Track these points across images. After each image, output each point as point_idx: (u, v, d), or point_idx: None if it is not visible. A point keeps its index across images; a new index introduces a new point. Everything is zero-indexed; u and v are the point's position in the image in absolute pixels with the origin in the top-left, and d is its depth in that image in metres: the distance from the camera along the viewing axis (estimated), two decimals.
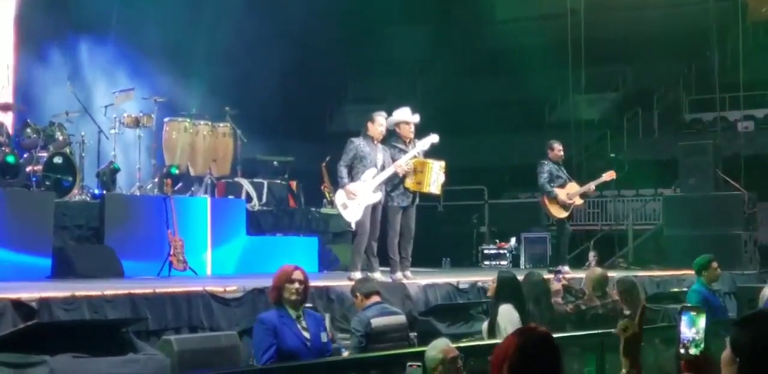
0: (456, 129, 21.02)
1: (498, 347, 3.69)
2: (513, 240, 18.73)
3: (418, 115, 11.31)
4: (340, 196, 10.81)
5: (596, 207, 22.41)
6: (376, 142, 10.87)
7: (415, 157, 11.07)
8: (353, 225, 10.88)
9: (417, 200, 11.25)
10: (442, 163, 11.22)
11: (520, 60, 24.24)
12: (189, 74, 16.26)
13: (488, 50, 27.59)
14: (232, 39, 16.60)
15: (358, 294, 8.06)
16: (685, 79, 26.74)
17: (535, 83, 24.06)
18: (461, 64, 28.29)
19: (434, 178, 11.06)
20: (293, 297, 6.54)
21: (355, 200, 10.68)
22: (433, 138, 11.22)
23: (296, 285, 6.54)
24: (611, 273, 10.97)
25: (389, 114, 11.21)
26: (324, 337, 6.70)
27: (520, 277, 9.09)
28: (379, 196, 10.83)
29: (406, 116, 11.28)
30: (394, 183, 11.01)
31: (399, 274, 10.96)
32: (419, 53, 27.60)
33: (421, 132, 11.44)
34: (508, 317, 8.20)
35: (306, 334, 6.51)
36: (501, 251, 18.49)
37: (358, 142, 10.80)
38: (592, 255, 16.86)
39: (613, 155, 20.81)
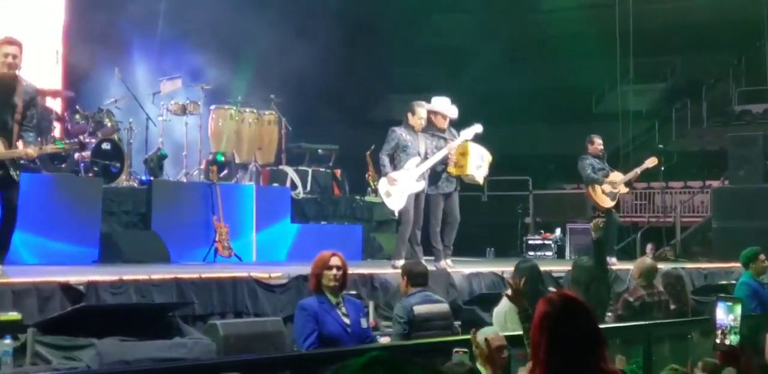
0: (501, 118, 20.93)
1: (534, 318, 3.70)
2: (558, 231, 18.65)
3: (456, 109, 11.24)
4: (383, 185, 10.81)
5: (643, 199, 22.26)
6: (417, 131, 10.86)
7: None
8: (396, 214, 10.89)
9: (458, 187, 11.22)
10: (488, 155, 11.18)
11: (566, 49, 24.09)
12: (235, 62, 16.31)
13: (535, 39, 27.43)
14: (277, 27, 16.60)
15: (405, 278, 8.00)
16: (735, 69, 26.45)
17: (583, 73, 23.90)
18: (507, 53, 28.16)
19: (476, 162, 11.02)
20: (332, 284, 6.53)
21: (398, 188, 10.67)
22: (477, 128, 11.16)
23: (334, 271, 6.53)
24: (660, 265, 10.87)
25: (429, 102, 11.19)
26: (364, 323, 6.69)
27: (568, 266, 9.04)
28: (422, 185, 10.82)
29: (443, 108, 11.20)
30: (437, 170, 10.99)
31: (443, 262, 10.95)
32: (465, 41, 27.51)
33: (466, 121, 11.39)
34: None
35: (346, 320, 6.50)
36: (546, 241, 18.42)
37: (400, 132, 10.79)
38: (649, 247, 16.76)
39: (660, 146, 20.60)
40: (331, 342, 6.31)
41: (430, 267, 10.63)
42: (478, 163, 11.09)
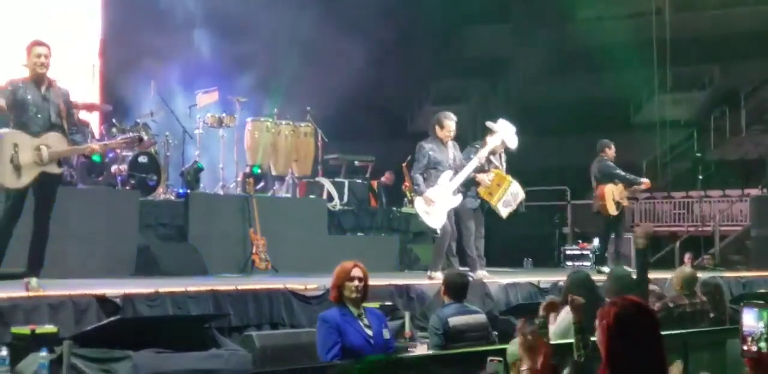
0: (538, 129, 20.86)
1: (599, 318, 3.78)
2: (596, 241, 18.51)
3: (517, 139, 11.19)
4: (419, 204, 10.75)
5: (682, 209, 22.07)
6: (445, 143, 10.78)
7: (494, 166, 11.04)
8: (439, 231, 10.81)
9: (485, 206, 11.20)
10: (522, 194, 11.19)
11: (604, 59, 23.98)
12: (272, 74, 16.37)
13: (571, 49, 27.35)
14: (313, 39, 16.66)
15: (444, 288, 7.96)
16: None
17: (621, 82, 23.78)
18: (543, 63, 28.08)
19: (507, 198, 11.01)
20: (353, 295, 6.46)
21: (435, 206, 10.63)
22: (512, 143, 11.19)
23: (356, 282, 6.46)
24: (698, 274, 10.77)
25: (492, 121, 11.18)
26: (386, 334, 6.63)
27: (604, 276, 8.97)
28: (459, 199, 10.80)
29: (509, 137, 11.09)
30: (467, 184, 10.96)
31: (479, 272, 10.92)
32: (502, 53, 27.46)
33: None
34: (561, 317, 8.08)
35: (369, 332, 6.44)
36: (584, 252, 18.28)
37: (429, 147, 10.69)
38: (687, 256, 16.65)
39: (699, 155, 20.46)
40: (354, 354, 6.24)
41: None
42: (508, 200, 11.06)
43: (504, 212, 11.13)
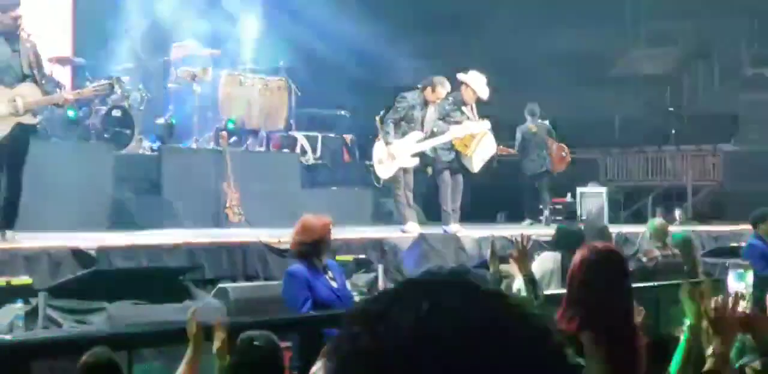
0: (512, 83, 20.84)
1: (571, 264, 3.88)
2: (569, 195, 18.61)
3: (488, 90, 11.21)
4: (377, 151, 10.78)
5: (655, 163, 22.19)
6: (427, 105, 10.78)
7: (466, 118, 11.05)
8: (381, 182, 10.89)
9: (460, 160, 11.22)
10: (494, 145, 11.21)
11: (577, 14, 23.93)
12: (244, 27, 16.21)
13: (544, 3, 27.24)
14: None
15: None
16: (747, 33, 26.24)
17: (594, 38, 23.76)
18: (517, 18, 27.96)
19: (482, 148, 11.01)
20: (328, 249, 6.59)
21: (391, 159, 10.65)
22: (485, 125, 11.16)
23: (331, 236, 6.60)
24: (670, 228, 10.90)
25: (463, 72, 11.17)
26: (348, 285, 6.75)
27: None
28: (414, 162, 10.79)
29: (479, 86, 11.15)
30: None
31: (452, 226, 10.98)
32: (476, 7, 27.31)
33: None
34: (552, 263, 8.20)
35: (334, 284, 6.51)
36: (557, 206, 18.38)
37: (412, 102, 10.69)
38: (678, 213, 16.82)
39: (671, 109, 20.53)
40: (324, 307, 6.30)
41: (439, 231, 10.69)
42: (482, 155, 11.09)
43: (477, 165, 11.16)
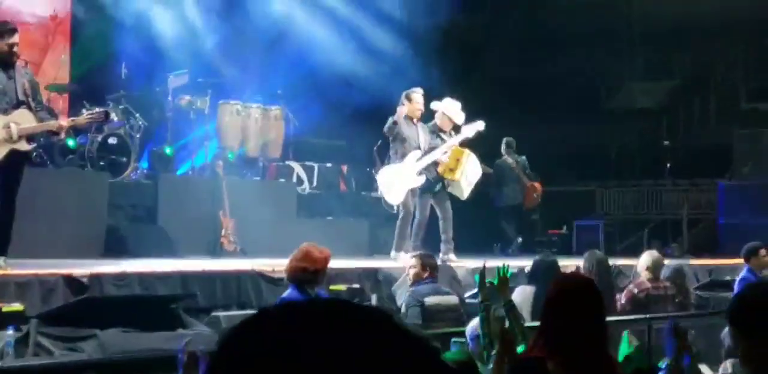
0: (509, 112, 20.91)
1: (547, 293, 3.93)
2: (564, 228, 18.63)
3: (464, 115, 11.24)
4: (382, 178, 10.81)
5: (650, 196, 22.21)
6: (415, 121, 10.82)
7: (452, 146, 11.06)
8: (395, 208, 10.89)
9: (447, 186, 11.20)
10: (480, 172, 11.20)
11: (575, 45, 24.04)
12: (244, 57, 16.29)
13: (541, 35, 27.37)
14: (280, 23, 16.57)
15: (420, 264, 8.01)
16: (744, 67, 26.37)
17: (591, 69, 23.86)
18: (513, 48, 28.08)
19: (468, 170, 11.00)
20: (324, 280, 6.63)
21: (397, 183, 10.67)
22: (479, 125, 11.15)
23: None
24: (664, 261, 10.89)
25: (434, 99, 11.20)
26: None
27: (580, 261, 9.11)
28: (422, 180, 10.82)
29: (453, 112, 11.19)
30: (426, 166, 10.99)
31: (446, 256, 10.98)
32: (474, 36, 27.40)
33: (474, 112, 11.39)
34: (521, 296, 8.20)
35: None
36: (552, 238, 18.38)
37: (399, 122, 10.73)
38: (675, 246, 16.91)
39: (666, 142, 20.56)
40: None
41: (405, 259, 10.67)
42: (469, 175, 11.07)
43: (466, 191, 11.15)
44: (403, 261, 10.37)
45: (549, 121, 24.28)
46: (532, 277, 8.67)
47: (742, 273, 10.39)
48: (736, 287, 10.07)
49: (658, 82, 25.78)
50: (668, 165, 19.53)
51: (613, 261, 12.40)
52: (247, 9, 16.24)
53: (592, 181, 21.38)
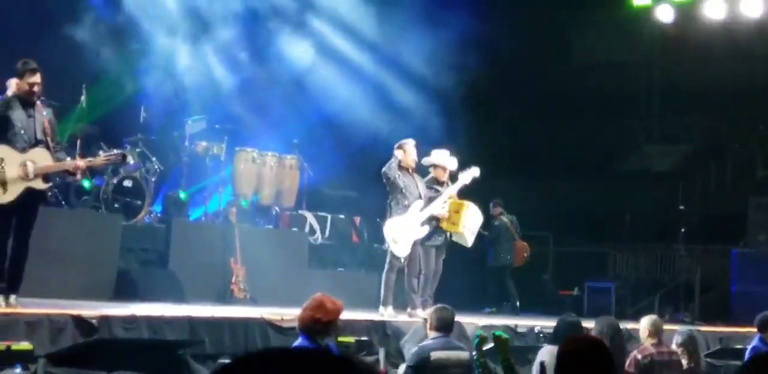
0: (523, 173, 20.93)
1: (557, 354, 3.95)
2: (576, 289, 18.53)
3: (455, 160, 11.23)
4: (388, 231, 10.75)
5: (663, 261, 22.10)
6: (411, 172, 10.81)
7: (451, 197, 11.02)
8: (403, 260, 10.81)
9: (448, 240, 11.16)
10: (481, 219, 11.19)
11: (589, 107, 24.11)
12: (261, 105, 16.35)
13: (560, 95, 27.45)
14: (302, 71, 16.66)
15: (429, 323, 7.95)
16: (760, 134, 26.37)
17: (607, 131, 23.89)
18: (531, 107, 28.16)
19: (469, 220, 10.96)
20: (335, 331, 6.59)
21: (403, 235, 10.62)
22: (474, 172, 11.12)
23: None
24: (675, 327, 10.83)
25: (426, 154, 11.19)
26: None
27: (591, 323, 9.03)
28: (426, 230, 10.77)
29: (443, 160, 11.18)
30: (431, 222, 10.94)
31: (418, 311, 10.80)
32: (489, 94, 27.49)
33: (491, 174, 11.38)
34: (550, 355, 8.11)
35: None
36: (564, 299, 18.29)
37: (392, 172, 10.71)
38: (687, 314, 16.86)
39: (682, 207, 20.51)
40: None
41: (404, 316, 10.57)
42: (471, 225, 11.03)
43: (470, 239, 11.11)
44: (418, 316, 10.29)
45: (564, 181, 24.30)
46: (555, 337, 8.57)
47: (754, 342, 10.28)
48: (746, 355, 9.96)
49: (675, 146, 25.77)
50: (682, 229, 19.45)
51: (623, 325, 12.32)
52: (268, 58, 16.36)
53: (605, 242, 21.30)
